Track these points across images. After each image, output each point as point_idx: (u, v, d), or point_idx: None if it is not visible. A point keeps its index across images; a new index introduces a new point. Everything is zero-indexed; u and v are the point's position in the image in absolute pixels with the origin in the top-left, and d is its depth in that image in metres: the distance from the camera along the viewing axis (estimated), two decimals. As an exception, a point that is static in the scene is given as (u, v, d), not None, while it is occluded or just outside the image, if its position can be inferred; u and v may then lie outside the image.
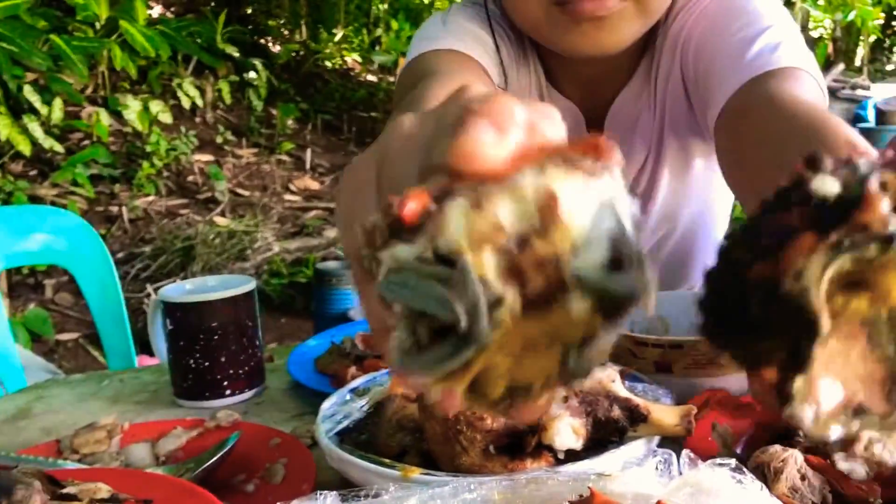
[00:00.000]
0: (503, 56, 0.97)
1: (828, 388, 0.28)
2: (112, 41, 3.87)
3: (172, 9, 5.56)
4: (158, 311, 0.98)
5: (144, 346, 1.36)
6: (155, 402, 0.97)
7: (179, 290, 0.99)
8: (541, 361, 0.30)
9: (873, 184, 0.26)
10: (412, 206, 0.28)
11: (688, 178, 1.06)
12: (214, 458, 0.73)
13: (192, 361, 0.93)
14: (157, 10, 5.19)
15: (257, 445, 0.77)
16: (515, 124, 0.30)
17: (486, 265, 0.28)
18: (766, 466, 0.62)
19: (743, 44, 0.85)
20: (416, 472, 0.62)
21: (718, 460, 0.58)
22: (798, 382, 0.27)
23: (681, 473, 0.60)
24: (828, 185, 0.27)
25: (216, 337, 0.93)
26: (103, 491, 0.61)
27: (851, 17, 7.68)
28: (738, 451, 0.69)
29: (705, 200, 1.11)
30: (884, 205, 0.26)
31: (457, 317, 0.28)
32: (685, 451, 0.60)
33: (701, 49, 0.92)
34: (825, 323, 0.26)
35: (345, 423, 0.72)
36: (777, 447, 0.63)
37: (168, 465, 0.76)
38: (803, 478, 0.61)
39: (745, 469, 0.57)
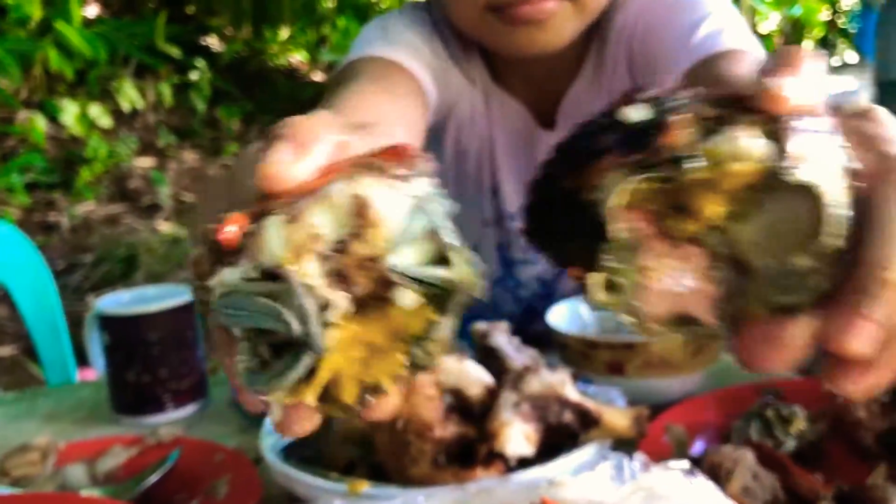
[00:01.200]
0: (446, 59, 0.97)
1: (658, 296, 0.33)
2: (47, 42, 3.77)
3: (109, 9, 5.43)
4: (95, 324, 0.95)
5: (87, 360, 1.32)
6: (93, 419, 0.94)
7: (116, 301, 0.95)
8: (387, 359, 0.33)
9: (676, 114, 0.30)
10: (230, 229, 0.30)
11: None
12: (155, 477, 0.71)
13: (131, 376, 0.90)
14: (93, 11, 5.07)
15: (200, 462, 0.74)
16: (318, 142, 0.33)
17: (309, 273, 0.30)
18: (719, 467, 0.62)
19: (687, 29, 0.87)
20: (364, 486, 0.60)
21: (671, 463, 0.57)
22: (593, 278, 0.32)
23: (633, 477, 0.59)
24: (633, 113, 0.31)
25: (156, 350, 0.90)
26: (35, 516, 0.59)
27: (797, 12, 7.86)
28: (693, 452, 0.69)
29: None
30: (684, 132, 0.30)
31: (289, 326, 0.30)
32: (638, 455, 0.60)
33: (646, 37, 0.94)
34: (616, 230, 0.31)
35: (290, 437, 0.70)
36: (729, 447, 0.63)
37: (106, 486, 0.73)
38: (755, 477, 0.61)
39: (697, 471, 0.56)
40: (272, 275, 0.30)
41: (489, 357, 0.72)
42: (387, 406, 0.34)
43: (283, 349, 0.31)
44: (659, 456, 0.63)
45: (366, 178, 0.31)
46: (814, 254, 0.31)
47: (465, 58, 0.99)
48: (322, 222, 0.30)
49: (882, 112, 0.34)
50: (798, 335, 0.32)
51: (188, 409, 0.92)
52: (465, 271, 0.32)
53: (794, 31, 9.82)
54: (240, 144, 5.34)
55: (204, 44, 6.01)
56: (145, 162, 4.87)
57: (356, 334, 0.32)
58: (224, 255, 0.30)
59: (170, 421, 0.89)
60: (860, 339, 0.30)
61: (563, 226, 0.33)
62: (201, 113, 5.39)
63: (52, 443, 0.80)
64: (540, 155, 0.99)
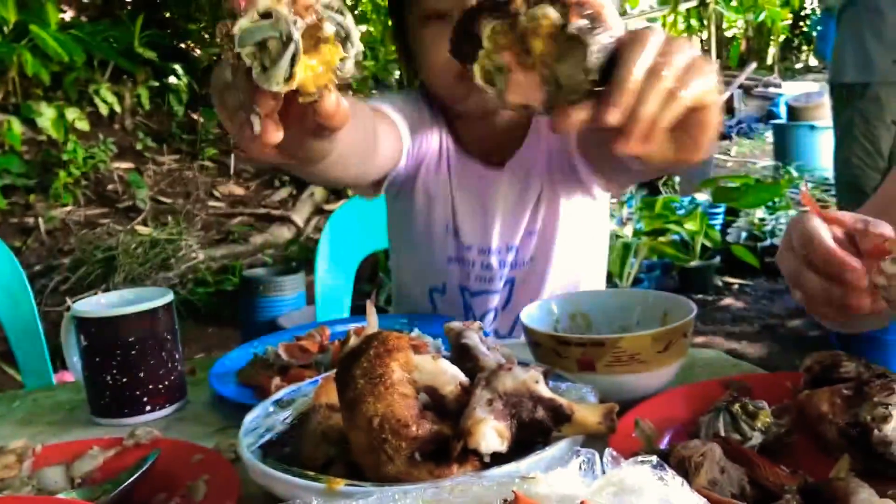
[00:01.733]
0: (421, 122, 1.19)
1: (513, 90, 0.62)
2: (22, 46, 3.74)
3: (86, 13, 5.39)
4: (72, 326, 0.95)
5: (65, 362, 1.32)
6: (70, 421, 0.94)
7: (93, 304, 0.95)
8: (326, 73, 0.57)
9: None
10: None
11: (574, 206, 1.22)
12: (132, 478, 0.71)
13: (108, 378, 0.91)
14: (69, 14, 5.03)
15: (178, 463, 0.75)
16: None
17: (285, 9, 0.55)
18: (687, 461, 0.63)
19: None
20: (340, 484, 0.61)
21: (640, 457, 0.59)
22: (475, 68, 0.63)
23: (604, 472, 0.60)
24: None
25: (133, 352, 0.90)
26: (10, 520, 0.59)
27: (762, 17, 7.93)
28: (663, 446, 0.70)
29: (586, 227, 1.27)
30: (520, 2, 0.60)
31: (281, 30, 0.54)
32: (608, 450, 0.61)
33: None
34: (486, 44, 0.61)
35: (268, 437, 0.71)
36: (697, 442, 0.64)
37: (83, 489, 0.73)
38: (722, 470, 0.62)
39: (666, 465, 0.58)
40: (266, 15, 0.54)
41: (463, 355, 0.73)
42: (331, 101, 0.58)
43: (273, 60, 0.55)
44: (629, 451, 0.64)
45: None
46: (586, 72, 0.59)
47: (435, 120, 1.21)
48: None
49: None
50: (582, 112, 0.60)
51: (166, 410, 0.93)
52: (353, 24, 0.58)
53: (759, 35, 9.92)
54: (217, 148, 5.31)
55: (182, 48, 5.98)
56: (123, 165, 4.84)
57: (309, 54, 0.56)
58: (237, 14, 0.54)
59: (148, 422, 0.89)
60: (610, 114, 0.59)
61: (468, 45, 0.62)
62: (179, 116, 5.36)
63: (28, 445, 0.80)
64: (490, 195, 1.20)
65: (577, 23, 0.57)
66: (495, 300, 1.23)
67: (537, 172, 1.19)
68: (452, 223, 1.22)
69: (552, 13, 0.57)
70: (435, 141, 1.20)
